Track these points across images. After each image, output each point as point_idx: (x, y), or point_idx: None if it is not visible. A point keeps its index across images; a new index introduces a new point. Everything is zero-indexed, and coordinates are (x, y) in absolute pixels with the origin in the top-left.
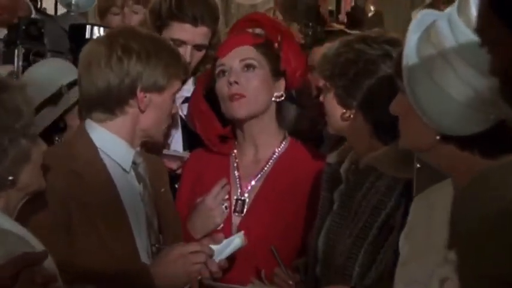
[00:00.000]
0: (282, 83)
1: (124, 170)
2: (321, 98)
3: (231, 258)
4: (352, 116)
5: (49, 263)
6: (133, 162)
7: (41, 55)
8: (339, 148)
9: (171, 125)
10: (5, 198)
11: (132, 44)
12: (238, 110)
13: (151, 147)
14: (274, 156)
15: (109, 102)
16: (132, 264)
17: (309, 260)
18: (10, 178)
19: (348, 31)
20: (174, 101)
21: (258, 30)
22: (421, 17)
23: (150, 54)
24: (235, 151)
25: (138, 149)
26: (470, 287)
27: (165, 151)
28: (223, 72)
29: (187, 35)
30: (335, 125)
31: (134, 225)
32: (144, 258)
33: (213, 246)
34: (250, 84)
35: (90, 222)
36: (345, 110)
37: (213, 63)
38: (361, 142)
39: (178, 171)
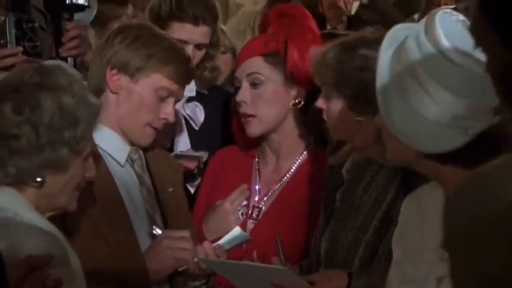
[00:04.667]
0: (299, 90)
1: (119, 164)
2: (321, 104)
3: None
4: (362, 119)
5: (76, 262)
6: (130, 159)
7: (32, 22)
8: (341, 150)
9: (176, 127)
10: (35, 201)
11: (129, 30)
12: (251, 129)
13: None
14: (295, 166)
15: (90, 87)
16: (130, 258)
17: (312, 260)
18: (37, 176)
19: (338, 33)
20: (161, 100)
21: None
22: (394, 32)
23: (138, 40)
24: (257, 156)
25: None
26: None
27: (180, 151)
28: (237, 87)
29: (188, 34)
30: (344, 131)
31: (134, 220)
32: None
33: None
34: (258, 103)
35: (86, 216)
36: (358, 118)
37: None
38: (371, 144)
39: (195, 171)
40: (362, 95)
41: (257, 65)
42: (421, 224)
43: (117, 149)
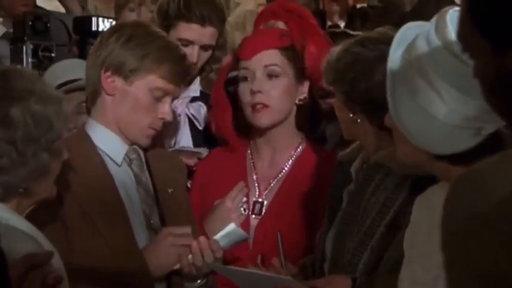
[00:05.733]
0: (306, 86)
1: (115, 163)
2: (333, 102)
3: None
4: (359, 119)
5: (57, 263)
6: (128, 158)
7: (49, 50)
8: (351, 147)
9: (179, 126)
10: (16, 203)
11: (124, 29)
12: (261, 119)
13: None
14: (292, 159)
15: (88, 88)
16: (130, 257)
17: (316, 258)
18: (23, 186)
19: (351, 32)
20: (156, 100)
21: (281, 25)
22: (403, 31)
23: (132, 39)
24: (249, 151)
25: (136, 146)
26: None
27: (180, 147)
28: (245, 77)
29: (194, 35)
30: (346, 130)
31: (132, 219)
32: None
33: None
34: (274, 93)
35: (85, 216)
36: (351, 114)
37: (235, 61)
38: (370, 143)
39: (194, 168)
40: (353, 93)
41: (274, 57)
42: (430, 225)
43: (114, 148)
